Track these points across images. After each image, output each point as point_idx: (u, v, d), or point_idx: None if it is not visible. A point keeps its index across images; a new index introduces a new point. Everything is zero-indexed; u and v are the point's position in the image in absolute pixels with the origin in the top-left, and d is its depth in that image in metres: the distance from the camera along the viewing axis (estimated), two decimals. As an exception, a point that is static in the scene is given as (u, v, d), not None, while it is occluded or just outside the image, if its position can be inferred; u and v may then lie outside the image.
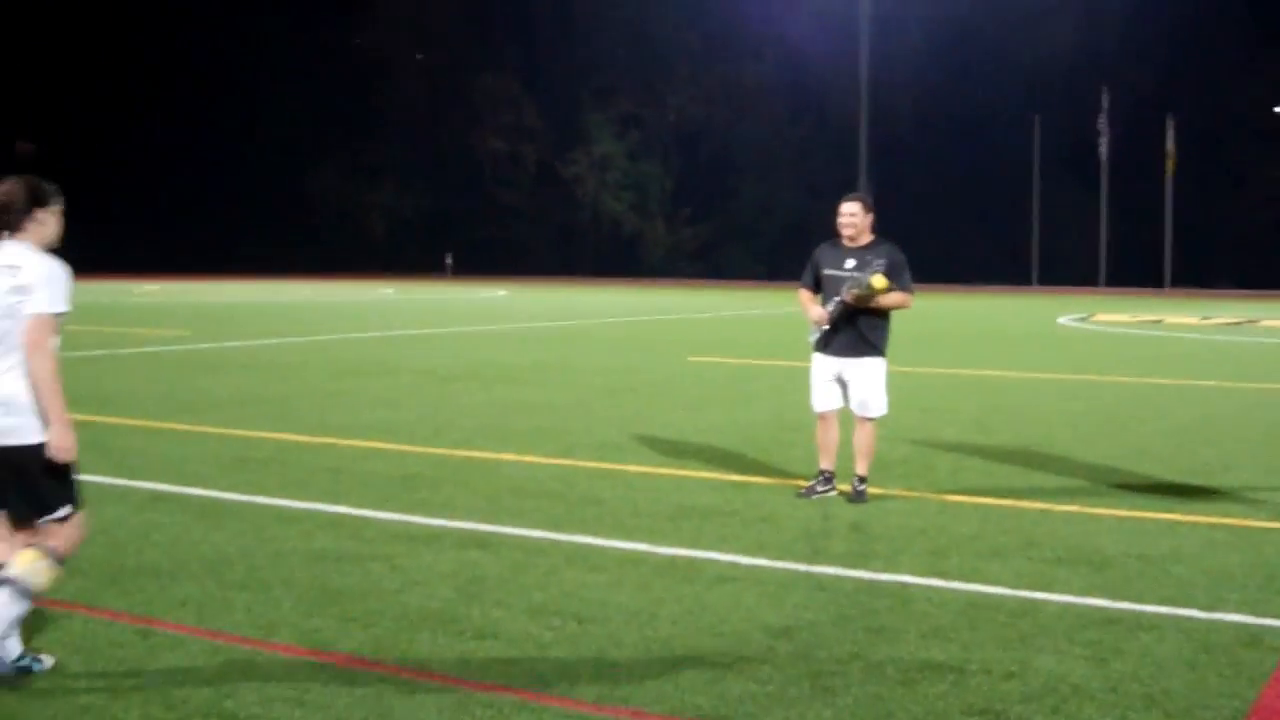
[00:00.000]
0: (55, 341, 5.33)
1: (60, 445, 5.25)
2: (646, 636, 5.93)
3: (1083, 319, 38.24)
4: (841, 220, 9.27)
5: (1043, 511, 8.92)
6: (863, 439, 9.37)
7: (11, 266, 5.33)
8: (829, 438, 9.46)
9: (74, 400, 5.90)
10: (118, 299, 42.44)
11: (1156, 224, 71.40)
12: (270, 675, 5.37)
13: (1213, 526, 8.46)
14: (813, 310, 9.31)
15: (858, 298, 9.05)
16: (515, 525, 8.30)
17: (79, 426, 5.61)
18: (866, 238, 9.32)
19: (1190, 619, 6.29)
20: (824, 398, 9.45)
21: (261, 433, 12.31)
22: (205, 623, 6.12)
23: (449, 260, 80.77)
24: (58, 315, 5.32)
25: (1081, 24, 77.45)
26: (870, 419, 9.36)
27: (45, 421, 5.25)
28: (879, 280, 8.99)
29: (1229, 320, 37.70)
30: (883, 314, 9.30)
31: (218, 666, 5.48)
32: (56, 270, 5.36)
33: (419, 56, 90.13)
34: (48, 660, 5.46)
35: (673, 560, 7.44)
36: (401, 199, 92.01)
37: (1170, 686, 5.31)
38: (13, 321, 5.26)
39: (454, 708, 5.02)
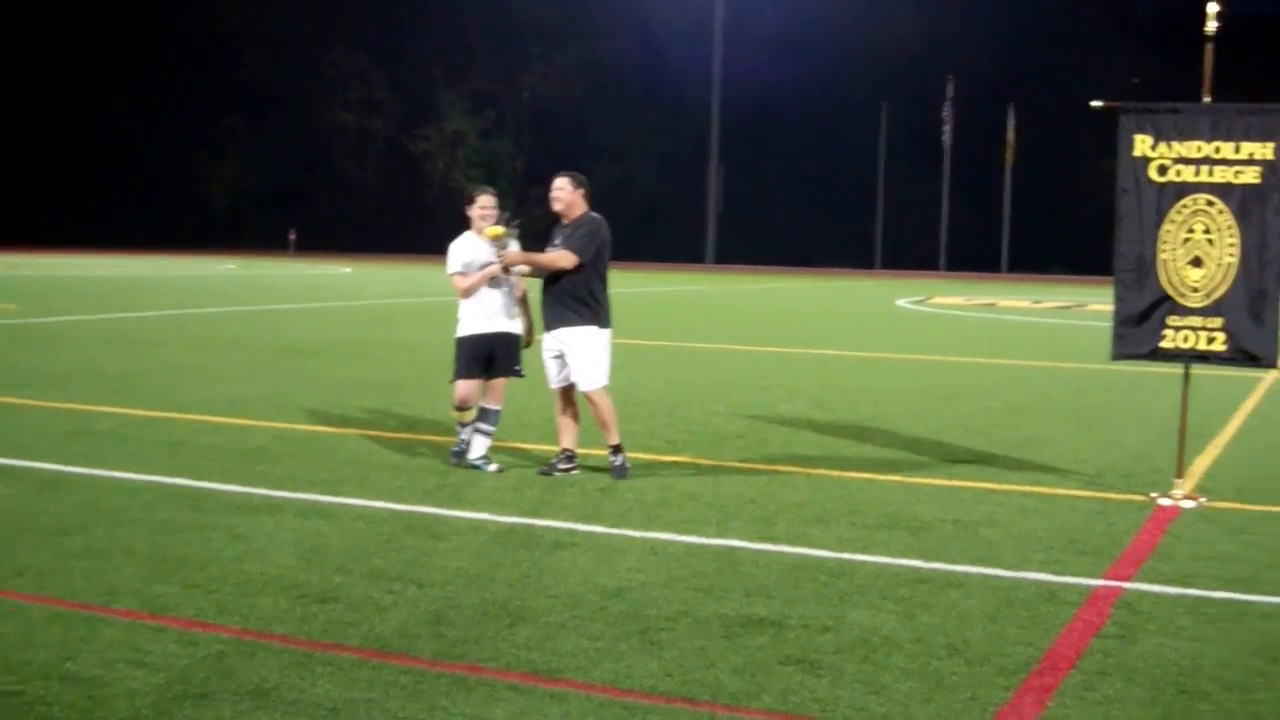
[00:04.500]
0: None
1: (530, 337, 9.80)
2: (484, 599, 6.15)
3: (920, 302, 39.31)
4: (551, 194, 9.32)
5: (868, 481, 9.36)
6: (594, 412, 9.31)
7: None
8: (563, 415, 9.45)
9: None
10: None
11: (995, 211, 73.50)
12: (112, 639, 5.46)
13: (1025, 495, 8.98)
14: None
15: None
16: (357, 497, 8.45)
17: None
18: (577, 212, 9.35)
19: (996, 577, 6.74)
20: (549, 375, 9.46)
21: (101, 407, 12.20)
22: (45, 590, 6.18)
23: (293, 236, 79.46)
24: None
25: (927, 14, 79.10)
26: (583, 392, 9.31)
27: (526, 325, 9.75)
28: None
29: (1059, 304, 39.07)
30: (574, 279, 9.17)
31: (59, 632, 5.55)
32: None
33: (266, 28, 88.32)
34: (493, 468, 9.32)
35: (512, 528, 7.67)
36: (245, 173, 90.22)
37: (971, 637, 5.71)
38: (510, 280, 9.52)
39: (296, 666, 5.18)
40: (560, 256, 9.21)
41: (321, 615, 5.86)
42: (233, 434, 10.90)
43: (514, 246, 9.40)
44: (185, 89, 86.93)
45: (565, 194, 9.33)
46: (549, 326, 9.35)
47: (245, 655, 5.31)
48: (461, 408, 9.61)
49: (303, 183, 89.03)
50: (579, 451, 9.52)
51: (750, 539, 7.45)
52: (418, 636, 5.59)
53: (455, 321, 9.70)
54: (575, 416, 9.50)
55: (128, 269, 49.05)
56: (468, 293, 9.52)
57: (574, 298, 9.24)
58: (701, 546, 7.29)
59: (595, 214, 9.42)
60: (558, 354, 9.37)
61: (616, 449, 9.33)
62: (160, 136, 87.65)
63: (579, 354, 9.25)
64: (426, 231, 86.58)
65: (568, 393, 9.47)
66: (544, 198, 9.54)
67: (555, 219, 9.51)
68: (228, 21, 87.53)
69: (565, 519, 7.89)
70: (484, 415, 9.54)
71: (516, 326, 9.65)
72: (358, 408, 12.57)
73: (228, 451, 10.02)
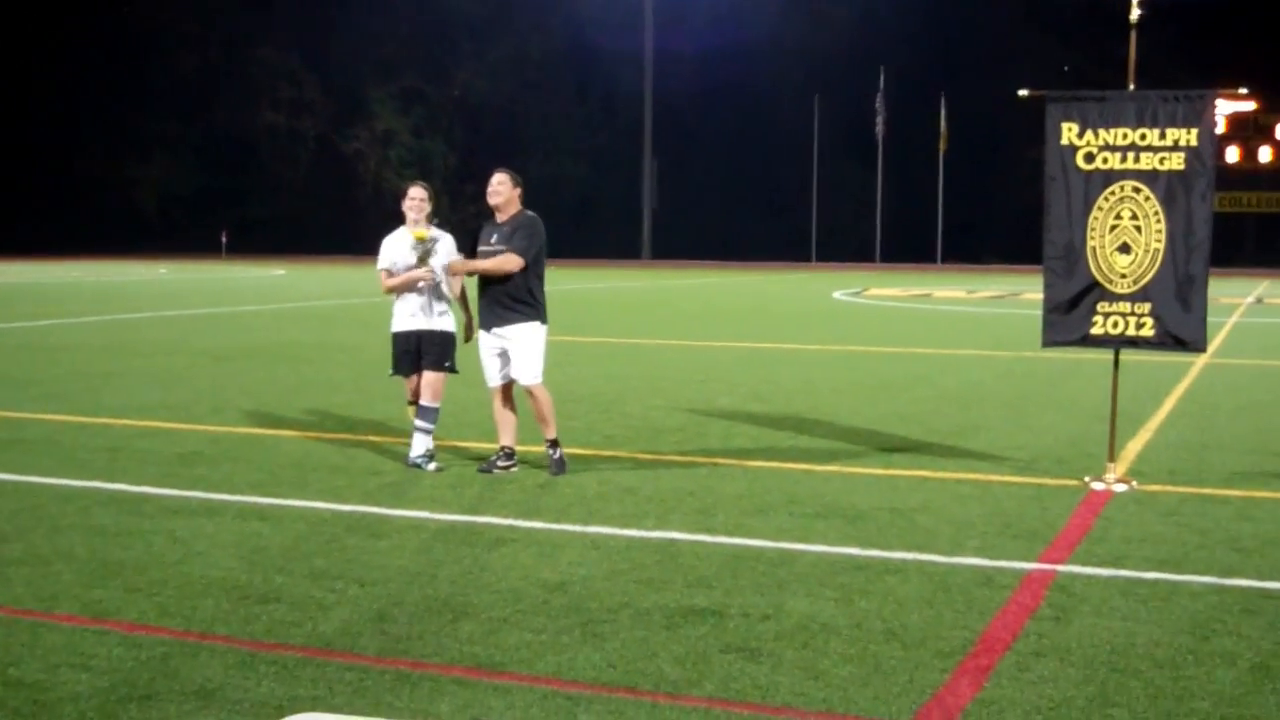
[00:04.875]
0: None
1: (470, 333, 9.73)
2: (427, 595, 6.18)
3: (856, 294, 39.60)
4: (489, 189, 9.34)
5: (806, 471, 9.46)
6: (534, 407, 9.35)
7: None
8: (502, 413, 9.47)
9: None
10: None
11: (929, 202, 74.02)
12: (54, 644, 5.44)
13: (959, 482, 9.11)
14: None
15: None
16: (296, 498, 8.43)
17: None
18: (513, 209, 9.38)
19: (932, 563, 6.84)
20: (488, 373, 9.50)
21: (34, 414, 12.08)
22: (-17, 597, 6.13)
23: (224, 239, 78.65)
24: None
25: (858, 5, 79.57)
26: (525, 386, 9.35)
27: (465, 321, 9.77)
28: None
29: (994, 294, 39.52)
30: (514, 278, 9.21)
31: (0, 638, 5.53)
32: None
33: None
34: (433, 467, 9.31)
35: (453, 525, 7.69)
36: (174, 176, 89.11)
37: (909, 621, 5.81)
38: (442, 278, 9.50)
39: (240, 666, 5.18)
40: (506, 260, 9.22)
41: (264, 615, 5.86)
42: (169, 438, 10.83)
43: (445, 244, 9.44)
44: (112, 91, 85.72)
45: (505, 189, 9.36)
46: (489, 325, 9.37)
47: (189, 656, 5.30)
48: (411, 402, 9.70)
49: (233, 184, 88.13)
50: (518, 448, 9.55)
51: (690, 531, 7.52)
52: (361, 634, 5.60)
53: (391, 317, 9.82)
54: (514, 413, 9.53)
55: (57, 275, 48.41)
56: (389, 291, 9.64)
57: (514, 297, 9.29)
58: (642, 539, 7.34)
59: (530, 212, 9.46)
60: (499, 351, 9.39)
61: (554, 444, 9.37)
62: (87, 140, 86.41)
63: (522, 349, 9.29)
64: (360, 231, 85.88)
65: (506, 390, 9.50)
66: (477, 195, 9.58)
67: (488, 215, 9.52)
68: (155, 22, 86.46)
69: (505, 515, 7.93)
70: (422, 413, 9.55)
71: (442, 324, 9.62)
72: (295, 409, 12.53)
73: (164, 455, 9.96)
